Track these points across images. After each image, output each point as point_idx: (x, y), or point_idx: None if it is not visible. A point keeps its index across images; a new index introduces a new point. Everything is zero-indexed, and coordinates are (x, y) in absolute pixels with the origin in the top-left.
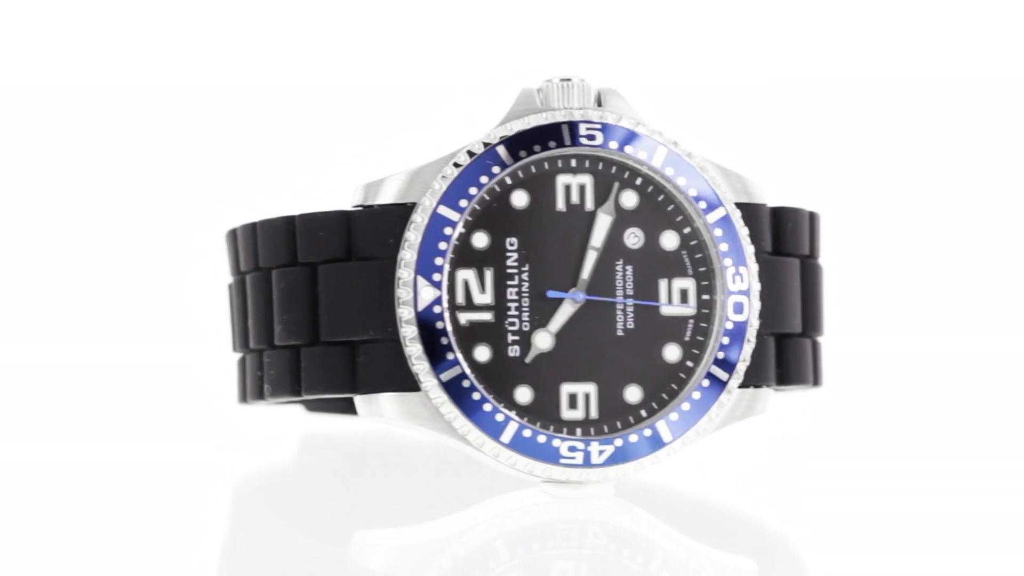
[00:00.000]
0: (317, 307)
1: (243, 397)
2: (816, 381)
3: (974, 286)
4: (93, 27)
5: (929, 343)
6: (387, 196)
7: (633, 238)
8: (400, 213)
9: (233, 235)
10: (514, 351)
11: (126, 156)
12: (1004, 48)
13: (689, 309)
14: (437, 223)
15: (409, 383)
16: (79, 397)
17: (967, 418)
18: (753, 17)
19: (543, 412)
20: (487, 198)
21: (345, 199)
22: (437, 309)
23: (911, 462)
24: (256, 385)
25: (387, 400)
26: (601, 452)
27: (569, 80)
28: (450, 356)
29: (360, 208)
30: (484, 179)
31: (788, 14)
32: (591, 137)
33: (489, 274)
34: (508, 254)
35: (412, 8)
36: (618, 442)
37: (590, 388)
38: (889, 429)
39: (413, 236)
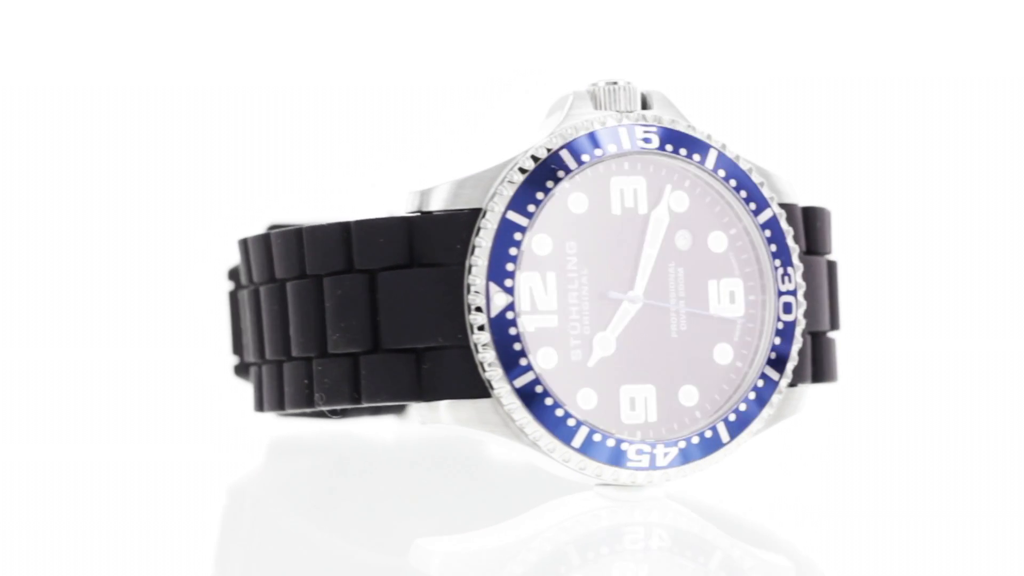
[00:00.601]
0: (376, 314)
1: (276, 406)
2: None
3: (973, 285)
4: (104, 28)
5: (925, 339)
6: (447, 202)
7: (683, 240)
8: (465, 219)
9: (264, 241)
10: (577, 355)
11: (127, 156)
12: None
13: (738, 310)
14: (506, 228)
15: (478, 389)
16: (79, 397)
17: (967, 417)
18: (744, 14)
19: (605, 415)
20: (549, 202)
21: (351, 205)
22: (510, 315)
23: (915, 460)
24: (300, 394)
25: (455, 407)
26: (666, 454)
27: (616, 83)
28: (523, 362)
29: (420, 214)
30: (550, 183)
31: (780, 12)
32: (648, 140)
33: (552, 278)
34: (568, 258)
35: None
36: (681, 444)
37: (649, 391)
38: (889, 426)
39: (483, 242)
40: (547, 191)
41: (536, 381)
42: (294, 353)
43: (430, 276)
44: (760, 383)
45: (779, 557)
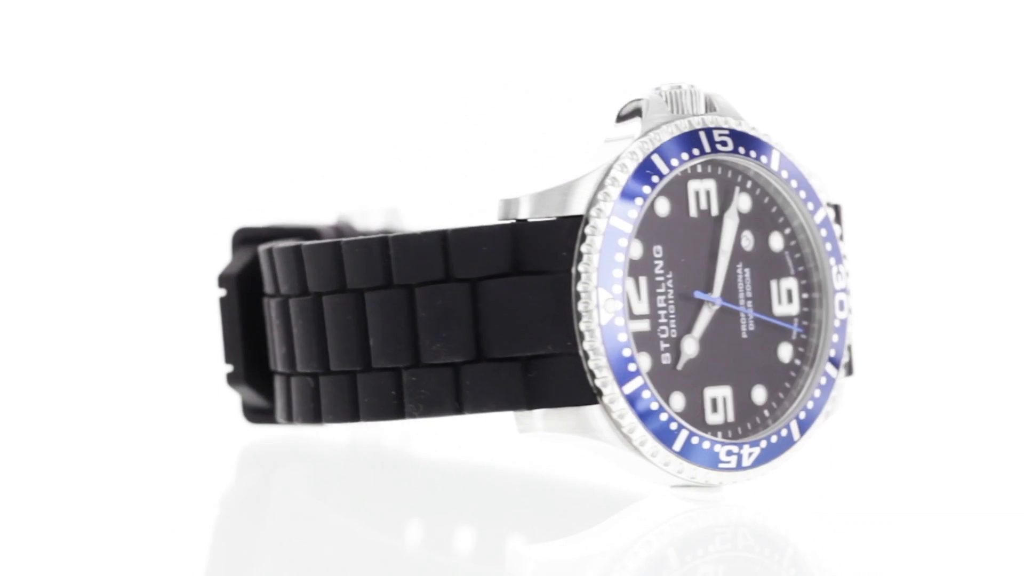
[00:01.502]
0: (479, 323)
1: (342, 416)
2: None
3: (974, 282)
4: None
5: (920, 334)
6: (552, 209)
7: (747, 241)
8: (569, 226)
9: (334, 249)
10: (667, 359)
11: (130, 156)
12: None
13: (795, 308)
14: (612, 235)
15: (586, 396)
16: (80, 397)
17: (968, 415)
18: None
19: (693, 418)
20: (646, 208)
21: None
22: (619, 321)
23: (918, 456)
24: (385, 404)
25: (560, 415)
26: (750, 455)
27: (680, 86)
28: (631, 367)
29: (520, 222)
30: (646, 189)
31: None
32: (723, 144)
33: (644, 283)
34: (656, 262)
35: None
36: (763, 444)
37: (727, 391)
38: (895, 418)
39: (591, 248)
40: (644, 197)
41: (644, 386)
42: (375, 364)
43: (537, 284)
44: (823, 380)
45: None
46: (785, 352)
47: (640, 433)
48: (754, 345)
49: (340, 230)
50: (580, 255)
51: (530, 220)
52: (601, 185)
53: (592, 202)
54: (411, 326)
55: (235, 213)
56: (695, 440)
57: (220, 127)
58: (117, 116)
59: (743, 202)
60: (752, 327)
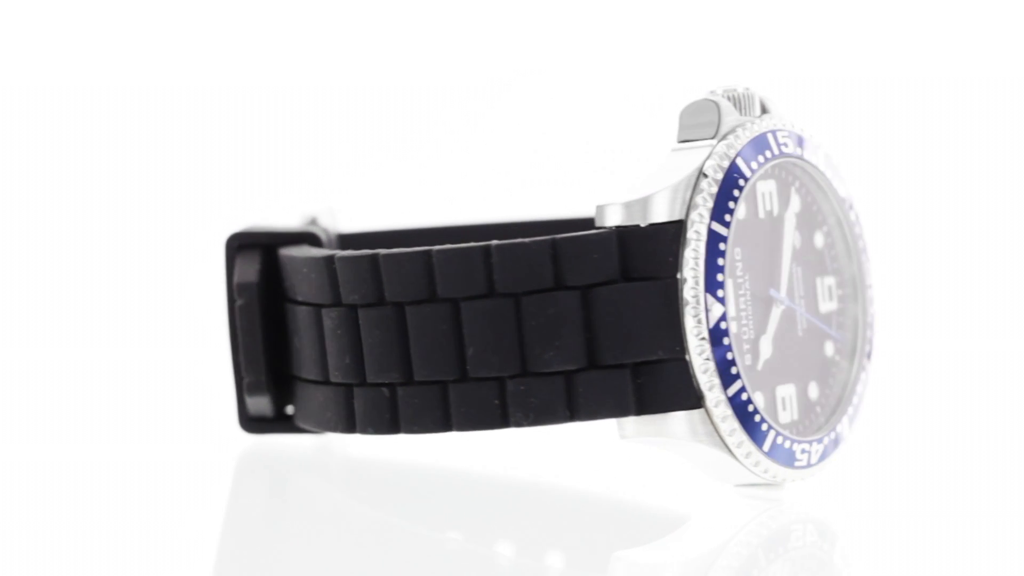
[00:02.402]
0: (589, 331)
1: (440, 426)
2: None
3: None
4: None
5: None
6: (656, 215)
7: (797, 240)
8: (673, 231)
9: (424, 258)
10: (748, 359)
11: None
12: None
13: (834, 304)
14: (713, 239)
15: (691, 400)
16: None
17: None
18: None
19: (771, 417)
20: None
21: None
22: (723, 325)
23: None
24: (488, 413)
25: (669, 419)
26: (816, 452)
27: (735, 89)
28: (733, 371)
29: (629, 227)
30: (736, 192)
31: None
32: (787, 145)
33: (730, 285)
34: (736, 263)
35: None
36: (825, 440)
37: (792, 390)
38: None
39: (697, 253)
40: (736, 200)
41: (743, 388)
42: (474, 374)
43: (647, 290)
44: (862, 375)
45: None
46: (829, 348)
47: (738, 435)
48: (808, 342)
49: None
50: (686, 260)
51: (635, 226)
52: (697, 189)
53: (691, 206)
54: (518, 335)
55: (220, 214)
56: (779, 440)
57: (216, 127)
58: (102, 116)
59: (795, 202)
60: (805, 324)
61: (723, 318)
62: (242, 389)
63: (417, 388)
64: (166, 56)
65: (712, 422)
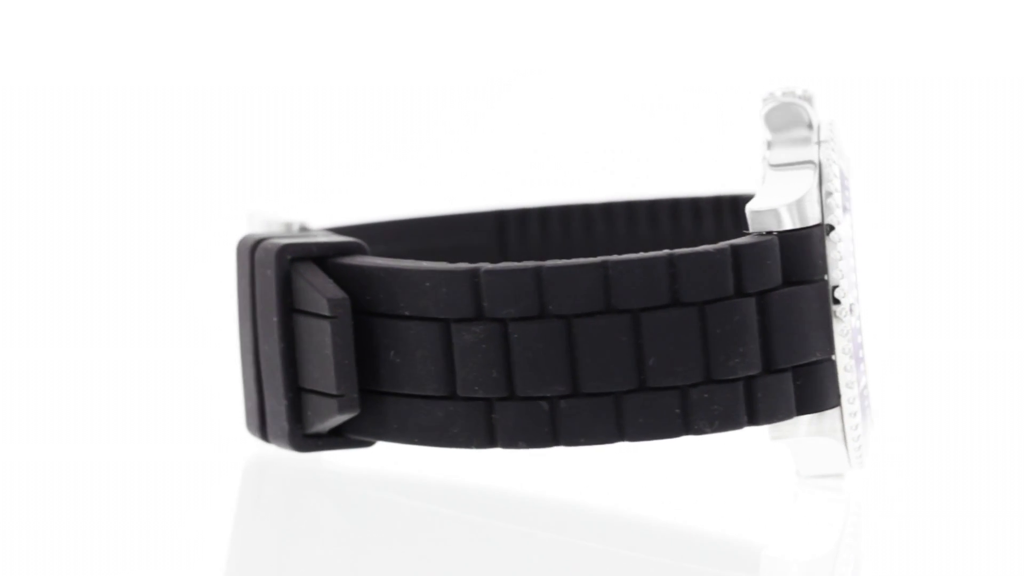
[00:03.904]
0: (765, 336)
1: (611, 437)
2: None
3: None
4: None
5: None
6: (805, 219)
7: None
8: (819, 234)
9: (599, 269)
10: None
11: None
12: None
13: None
14: (847, 241)
15: (834, 399)
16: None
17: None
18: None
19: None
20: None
21: None
22: (856, 323)
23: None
24: (668, 423)
25: (819, 418)
26: (868, 442)
27: (795, 91)
28: (862, 367)
29: (787, 232)
30: (847, 193)
31: None
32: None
33: (852, 282)
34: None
35: None
36: (871, 431)
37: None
38: None
39: (839, 254)
40: (848, 200)
41: (866, 384)
42: (654, 383)
43: (808, 293)
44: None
45: None
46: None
47: (860, 430)
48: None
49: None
50: (832, 261)
51: (794, 230)
52: (826, 192)
53: (827, 209)
54: (702, 343)
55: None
56: (870, 431)
57: (212, 127)
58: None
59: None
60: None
61: (859, 317)
62: (300, 406)
63: (585, 400)
64: (160, 55)
65: (843, 419)
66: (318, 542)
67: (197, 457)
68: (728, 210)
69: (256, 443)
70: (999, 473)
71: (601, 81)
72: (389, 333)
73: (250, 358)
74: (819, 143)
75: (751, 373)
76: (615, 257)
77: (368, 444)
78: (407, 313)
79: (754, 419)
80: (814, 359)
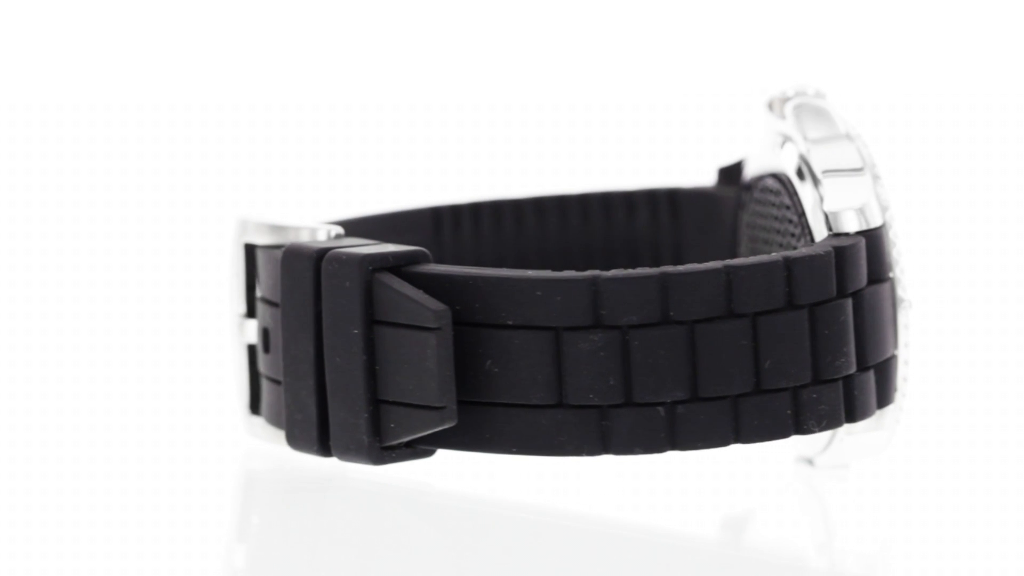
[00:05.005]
0: (859, 335)
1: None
2: None
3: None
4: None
5: None
6: (881, 215)
7: None
8: (886, 231)
9: (725, 275)
10: None
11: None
12: None
13: None
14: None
15: (891, 395)
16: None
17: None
18: None
19: None
20: None
21: None
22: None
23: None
24: (781, 423)
25: (881, 415)
26: None
27: (807, 91)
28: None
29: (868, 231)
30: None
31: None
32: None
33: None
34: None
35: None
36: None
37: None
38: None
39: (899, 252)
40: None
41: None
42: (767, 386)
43: (886, 291)
44: None
45: None
46: None
47: (895, 422)
48: None
49: None
50: (895, 259)
51: (871, 229)
52: (880, 188)
53: (884, 205)
54: (811, 345)
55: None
56: None
57: (209, 128)
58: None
59: None
60: None
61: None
62: (377, 416)
63: (702, 404)
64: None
65: (892, 412)
66: (317, 542)
67: (196, 459)
68: (665, 204)
69: (249, 444)
70: (997, 457)
71: (534, 74)
72: (486, 343)
73: (304, 371)
74: (854, 139)
75: (850, 372)
76: (735, 262)
77: (430, 454)
78: (511, 322)
79: (851, 416)
80: (889, 355)
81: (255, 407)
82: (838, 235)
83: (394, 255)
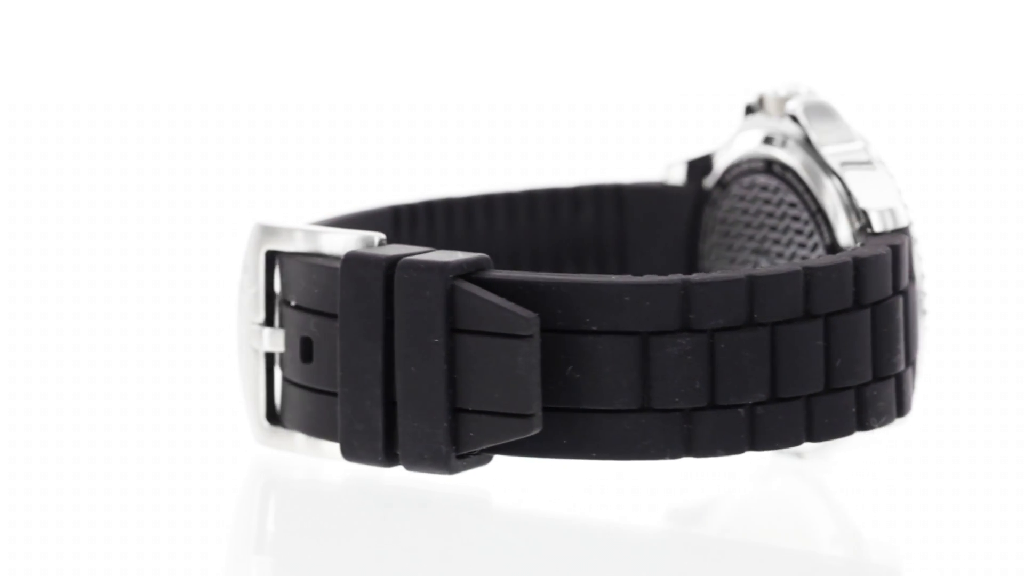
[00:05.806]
0: (907, 333)
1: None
2: None
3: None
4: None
5: None
6: (904, 219)
7: None
8: (909, 235)
9: (798, 277)
10: None
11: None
12: None
13: None
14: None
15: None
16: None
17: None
18: None
19: None
20: None
21: None
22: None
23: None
24: (845, 421)
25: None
26: None
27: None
28: None
29: (904, 230)
30: None
31: None
32: None
33: None
34: None
35: None
36: None
37: None
38: None
39: (920, 255)
40: None
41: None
42: (836, 384)
43: (917, 289)
44: None
45: None
46: None
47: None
48: None
49: None
50: (918, 258)
51: (896, 231)
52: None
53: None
54: (875, 343)
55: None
56: None
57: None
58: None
59: None
60: None
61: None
62: (456, 425)
63: (780, 405)
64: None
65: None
66: (319, 544)
67: (199, 463)
68: (611, 199)
69: (254, 449)
70: (997, 457)
71: (485, 71)
72: (568, 349)
73: (368, 380)
74: (863, 138)
75: (901, 369)
76: (811, 262)
77: (488, 460)
78: (595, 328)
79: (902, 411)
80: (915, 357)
81: (273, 416)
82: (881, 234)
83: (468, 262)
